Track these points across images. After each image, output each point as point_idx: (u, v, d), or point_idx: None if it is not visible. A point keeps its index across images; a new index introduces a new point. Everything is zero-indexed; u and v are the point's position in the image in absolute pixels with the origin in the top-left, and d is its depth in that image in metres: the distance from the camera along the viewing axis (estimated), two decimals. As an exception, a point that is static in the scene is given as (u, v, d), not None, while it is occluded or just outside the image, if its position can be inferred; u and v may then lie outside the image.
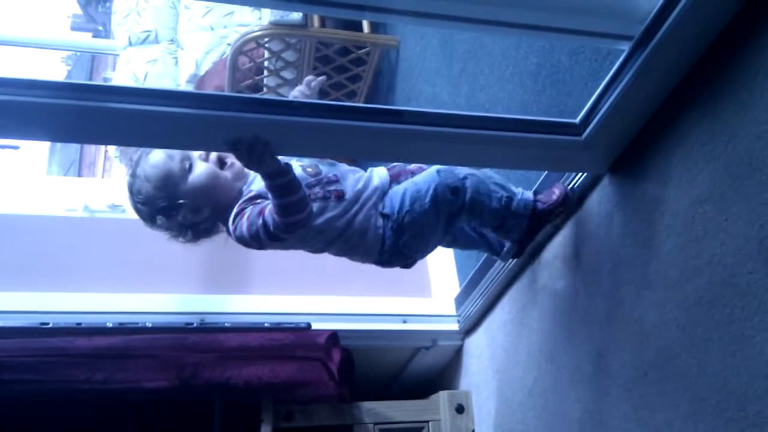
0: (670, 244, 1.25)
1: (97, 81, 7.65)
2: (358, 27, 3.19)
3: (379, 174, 1.55)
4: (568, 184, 1.53)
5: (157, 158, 1.42)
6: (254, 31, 2.99)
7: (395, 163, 1.59)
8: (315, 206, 1.41)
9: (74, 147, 7.64)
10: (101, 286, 2.12)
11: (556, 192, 1.52)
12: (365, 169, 1.56)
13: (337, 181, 1.47)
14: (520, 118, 1.41)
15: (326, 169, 1.49)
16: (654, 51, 1.17)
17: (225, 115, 1.17)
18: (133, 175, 1.46)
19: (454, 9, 1.09)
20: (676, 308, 1.22)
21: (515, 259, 1.73)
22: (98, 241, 2.34)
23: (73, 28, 9.03)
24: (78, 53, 7.98)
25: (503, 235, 1.58)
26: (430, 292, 2.35)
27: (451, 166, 1.48)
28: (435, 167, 1.49)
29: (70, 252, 2.24)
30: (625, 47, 1.23)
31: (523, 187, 1.55)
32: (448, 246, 1.75)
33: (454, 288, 2.27)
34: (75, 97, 1.11)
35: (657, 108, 1.30)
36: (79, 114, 1.12)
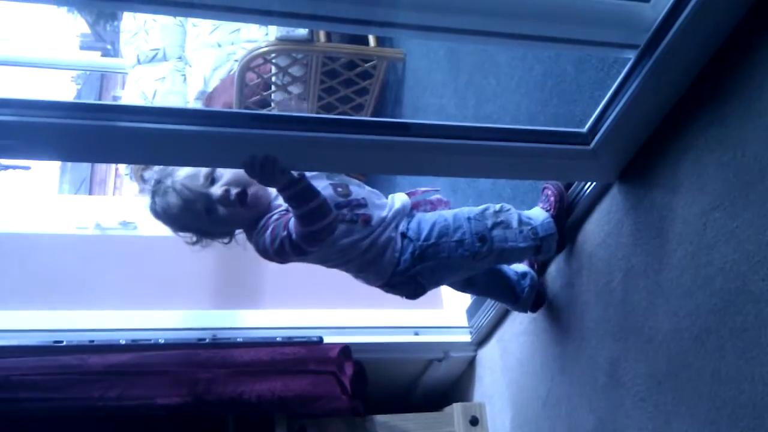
0: (682, 252, 1.25)
1: (107, 99, 7.72)
2: (364, 41, 3.21)
3: (400, 198, 1.56)
4: (555, 187, 1.59)
5: (175, 204, 1.42)
6: (261, 47, 3.02)
7: (414, 190, 1.60)
8: (342, 227, 1.43)
9: (85, 165, 7.70)
10: (113, 304, 2.13)
11: (550, 194, 1.59)
12: (379, 188, 1.57)
13: (365, 206, 1.48)
14: (527, 129, 1.42)
15: (355, 190, 1.50)
16: (660, 59, 1.17)
17: (234, 131, 1.18)
18: (164, 191, 1.45)
19: (459, 22, 1.10)
20: (689, 316, 1.21)
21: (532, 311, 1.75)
22: (110, 258, 2.36)
23: (82, 48, 9.13)
24: (87, 72, 8.05)
25: (543, 256, 1.65)
26: (441, 304, 2.34)
27: (477, 207, 1.55)
28: (466, 213, 1.53)
29: (82, 270, 2.26)
30: (631, 56, 1.23)
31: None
32: (462, 290, 1.77)
33: (466, 299, 2.26)
34: (84, 117, 1.12)
35: (664, 116, 1.30)
36: (89, 134, 1.13)
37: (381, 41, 3.25)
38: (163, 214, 1.43)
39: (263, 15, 1.06)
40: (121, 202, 4.50)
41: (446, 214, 1.54)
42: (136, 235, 3.86)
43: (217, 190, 1.40)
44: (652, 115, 1.30)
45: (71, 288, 2.19)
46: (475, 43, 1.12)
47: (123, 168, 4.30)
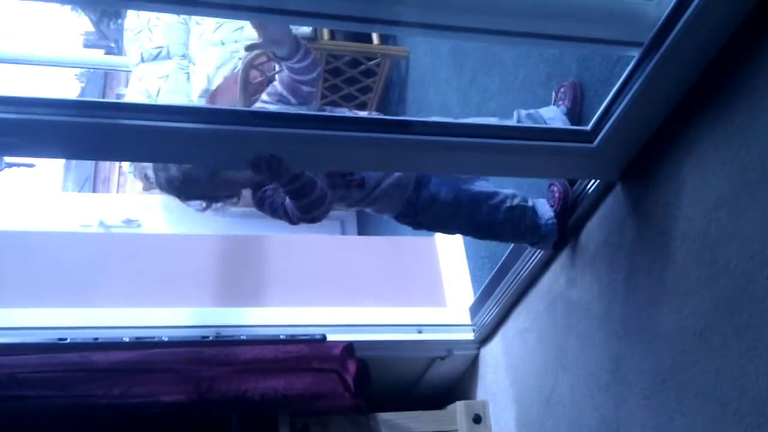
0: (686, 250, 1.24)
1: (111, 97, 7.72)
2: (367, 39, 3.20)
3: None
4: (561, 185, 1.60)
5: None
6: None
7: None
8: (337, 194, 1.48)
9: (89, 163, 7.70)
10: (117, 301, 2.13)
11: (555, 190, 1.61)
12: None
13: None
14: (531, 127, 1.41)
15: None
16: (664, 57, 1.17)
17: (238, 129, 1.18)
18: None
19: (463, 20, 1.10)
20: (693, 314, 1.21)
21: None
22: (113, 256, 2.36)
23: (86, 46, 9.13)
24: (91, 70, 8.06)
25: (539, 247, 1.71)
26: (444, 302, 2.34)
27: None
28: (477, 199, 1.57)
29: (86, 268, 2.26)
30: (635, 53, 1.23)
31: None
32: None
33: (469, 297, 2.26)
34: (88, 114, 1.12)
35: (668, 113, 1.29)
36: (93, 131, 1.13)
37: (385, 39, 3.24)
38: (168, 185, 1.44)
39: (266, 12, 1.06)
40: (124, 200, 4.50)
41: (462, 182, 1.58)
42: (140, 232, 3.87)
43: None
44: (656, 113, 1.30)
45: (75, 286, 2.19)
46: (478, 41, 1.12)
47: (126, 166, 4.30)
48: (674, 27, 1.14)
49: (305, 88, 1.45)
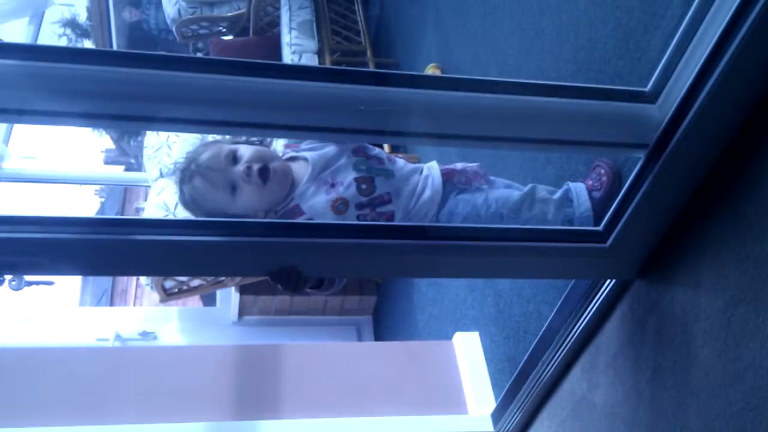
0: (708, 348, 1.22)
1: (130, 211, 7.89)
2: (378, 147, 3.29)
3: (432, 184, 1.55)
4: (609, 167, 1.49)
5: (201, 187, 1.46)
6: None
7: (448, 166, 1.61)
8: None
9: (106, 277, 7.77)
10: (132, 417, 2.10)
11: (603, 173, 1.52)
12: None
13: (389, 202, 1.48)
14: (542, 228, 1.42)
15: (380, 184, 1.50)
16: (669, 158, 1.19)
17: (255, 240, 1.20)
18: (190, 177, 1.50)
19: (469, 129, 1.13)
20: (722, 416, 1.17)
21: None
22: (128, 370, 2.34)
23: (107, 162, 9.45)
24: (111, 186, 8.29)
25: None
26: (465, 408, 2.28)
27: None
28: (501, 207, 1.54)
29: (100, 383, 2.24)
30: (641, 155, 1.25)
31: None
32: None
33: (490, 403, 2.21)
34: (107, 232, 1.15)
35: (679, 212, 1.30)
36: (112, 248, 1.15)
37: (395, 147, 3.33)
38: (192, 201, 1.46)
39: (279, 129, 1.10)
40: (140, 313, 4.51)
41: (480, 204, 1.53)
42: (156, 345, 3.85)
43: (239, 167, 1.43)
44: (667, 211, 1.31)
45: (90, 403, 2.17)
46: (484, 147, 1.15)
47: (144, 278, 4.34)
48: (678, 129, 1.16)
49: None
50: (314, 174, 1.52)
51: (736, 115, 1.15)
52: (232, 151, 1.47)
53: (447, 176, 1.57)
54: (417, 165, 1.61)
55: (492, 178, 1.64)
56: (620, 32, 1.80)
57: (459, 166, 1.60)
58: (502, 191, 1.58)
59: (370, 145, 1.59)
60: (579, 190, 1.54)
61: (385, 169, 1.54)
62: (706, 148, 1.20)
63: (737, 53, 1.05)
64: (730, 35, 1.05)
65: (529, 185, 1.58)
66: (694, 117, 1.14)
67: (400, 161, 1.61)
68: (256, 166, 1.45)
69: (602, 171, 1.55)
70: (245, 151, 1.47)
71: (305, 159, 1.55)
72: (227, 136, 1.52)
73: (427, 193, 1.53)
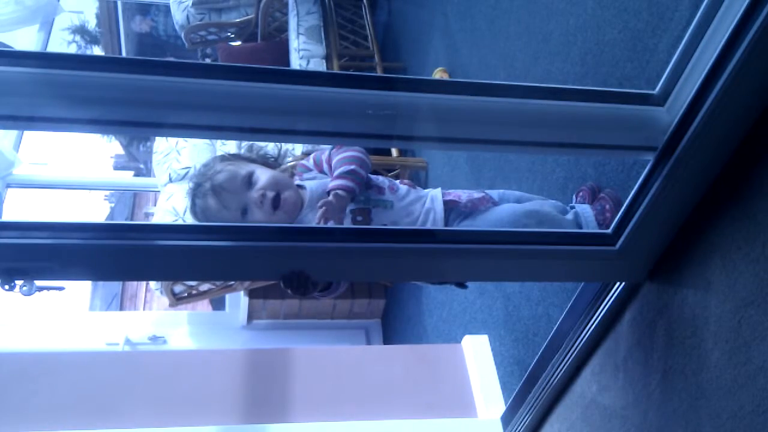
0: (719, 351, 1.22)
1: (140, 216, 7.93)
2: (386, 151, 3.30)
3: (434, 219, 1.56)
4: (614, 201, 1.50)
5: (214, 206, 1.49)
6: (288, 161, 3.10)
7: (451, 191, 1.61)
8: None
9: (116, 282, 7.80)
10: (141, 422, 2.11)
11: (608, 208, 1.55)
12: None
13: None
14: (551, 231, 1.42)
15: (377, 216, 1.51)
16: (678, 160, 1.19)
17: (264, 245, 1.21)
18: (204, 193, 1.53)
19: (477, 133, 1.13)
20: (733, 418, 1.17)
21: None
22: (138, 374, 2.35)
23: (116, 168, 9.49)
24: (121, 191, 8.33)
25: None
26: (475, 412, 2.28)
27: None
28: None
29: (110, 388, 2.25)
30: (650, 157, 1.25)
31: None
32: None
33: (500, 406, 2.20)
34: (117, 237, 1.15)
35: (689, 214, 1.30)
36: (122, 253, 1.16)
37: (403, 151, 3.34)
38: (202, 215, 1.49)
39: (287, 134, 1.10)
40: (150, 317, 4.53)
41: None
42: (166, 349, 3.86)
43: (254, 194, 1.47)
44: (676, 214, 1.30)
45: (99, 407, 2.18)
46: (492, 151, 1.15)
47: (153, 283, 4.36)
48: (686, 132, 1.16)
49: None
50: (312, 203, 1.54)
51: (745, 117, 1.15)
52: (249, 174, 1.50)
53: (450, 206, 1.58)
54: (420, 194, 1.60)
55: (501, 191, 1.65)
56: (628, 35, 1.79)
57: (464, 198, 1.60)
58: (505, 209, 1.59)
59: (373, 175, 1.60)
60: (588, 217, 1.55)
61: (384, 200, 1.55)
62: (715, 150, 1.19)
63: (746, 55, 1.04)
64: (738, 37, 1.05)
65: (536, 202, 1.58)
66: (703, 119, 1.14)
67: (403, 189, 1.60)
68: (270, 194, 1.50)
69: (607, 207, 1.57)
70: (261, 175, 1.50)
71: (304, 188, 1.59)
72: (242, 149, 1.54)
73: (428, 227, 1.55)
